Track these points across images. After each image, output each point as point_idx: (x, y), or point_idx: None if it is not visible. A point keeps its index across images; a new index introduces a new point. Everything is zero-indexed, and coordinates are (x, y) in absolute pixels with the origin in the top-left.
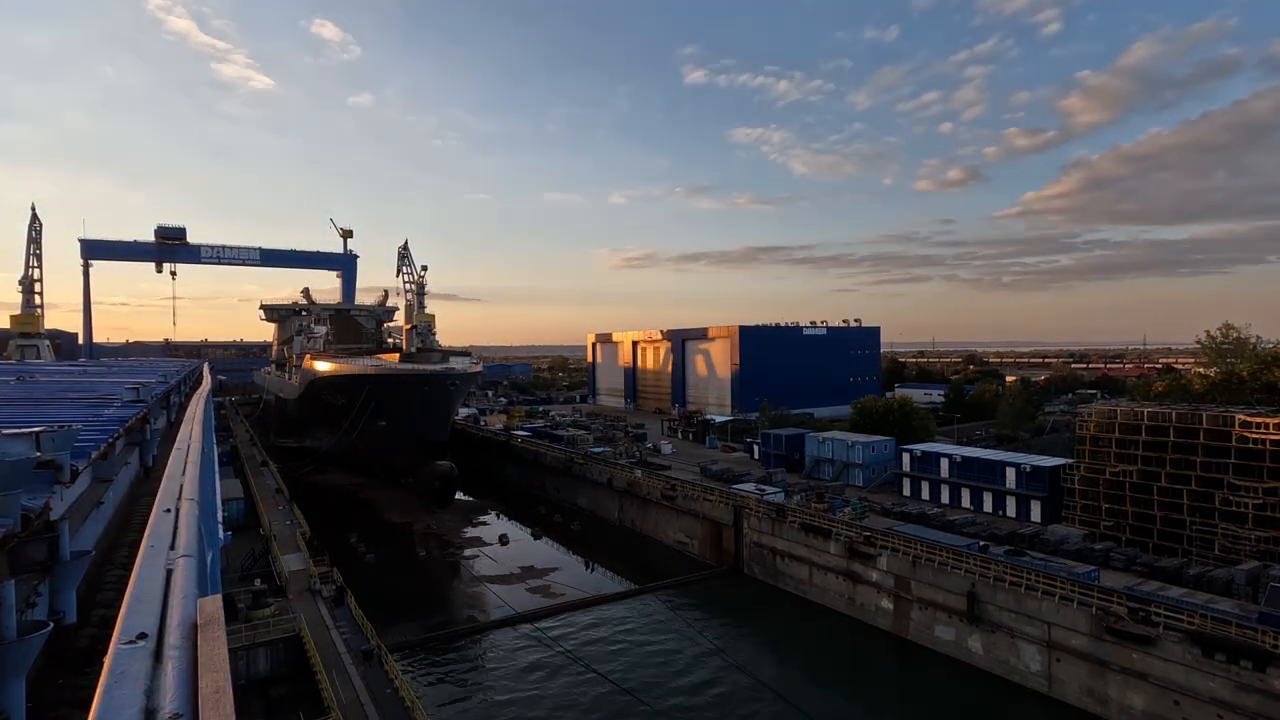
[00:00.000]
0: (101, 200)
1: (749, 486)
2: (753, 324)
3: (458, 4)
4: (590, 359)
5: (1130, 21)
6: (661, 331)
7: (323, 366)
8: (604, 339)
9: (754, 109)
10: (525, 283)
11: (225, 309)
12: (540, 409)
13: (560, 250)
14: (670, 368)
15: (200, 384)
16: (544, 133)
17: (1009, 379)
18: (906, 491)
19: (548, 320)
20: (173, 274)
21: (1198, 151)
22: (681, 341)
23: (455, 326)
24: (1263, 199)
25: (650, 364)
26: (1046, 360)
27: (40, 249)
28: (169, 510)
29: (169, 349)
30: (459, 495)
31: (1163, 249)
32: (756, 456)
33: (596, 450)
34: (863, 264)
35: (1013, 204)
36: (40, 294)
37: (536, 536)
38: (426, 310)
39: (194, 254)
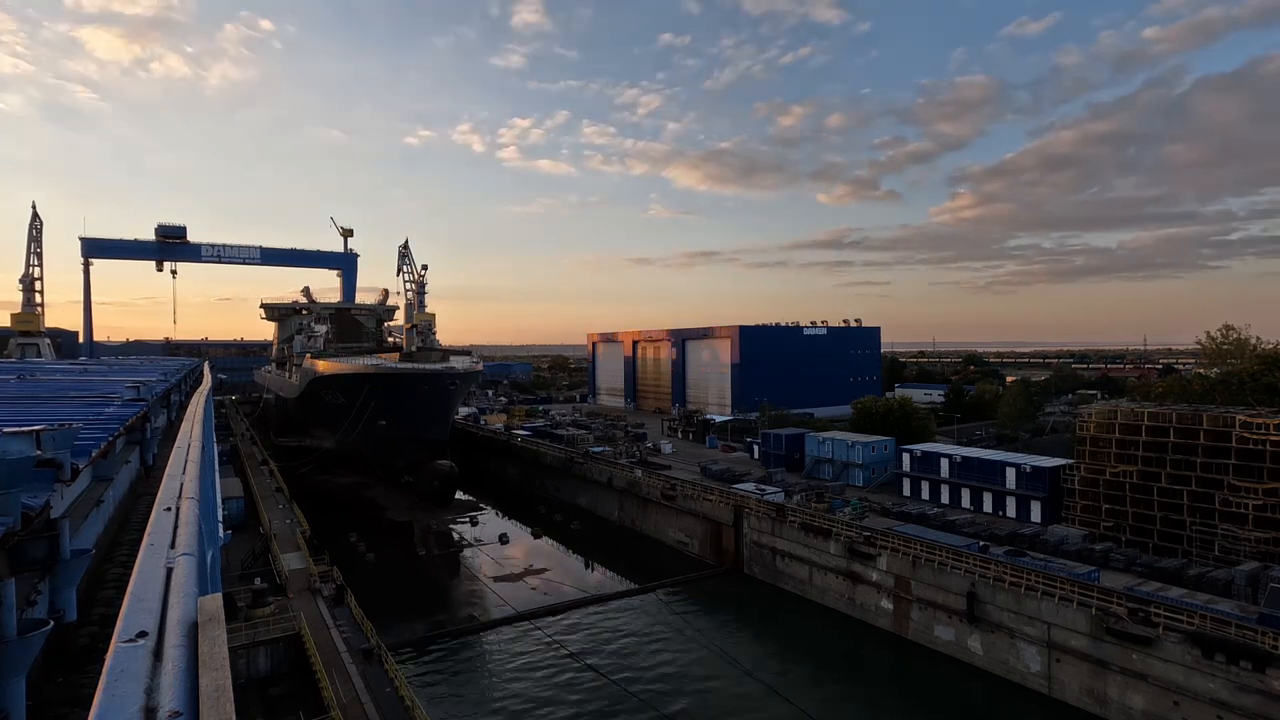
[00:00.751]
0: (55, 210)
1: (749, 486)
2: (753, 324)
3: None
4: (590, 358)
5: (942, 23)
6: (662, 331)
7: (323, 365)
8: (604, 339)
9: (614, 119)
10: (489, 282)
11: (226, 308)
12: (540, 408)
13: (507, 252)
14: (670, 367)
15: (200, 383)
16: (406, 146)
17: (1009, 379)
18: (906, 491)
19: (515, 317)
20: (173, 273)
21: (1063, 166)
22: (682, 341)
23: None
24: (1167, 208)
25: (650, 363)
26: (1047, 360)
27: (41, 247)
28: (169, 509)
29: (170, 348)
30: (459, 494)
31: (1103, 256)
32: (756, 456)
33: (596, 450)
34: (814, 267)
35: (921, 217)
36: (40, 292)
37: (536, 536)
38: (427, 309)
39: (194, 253)
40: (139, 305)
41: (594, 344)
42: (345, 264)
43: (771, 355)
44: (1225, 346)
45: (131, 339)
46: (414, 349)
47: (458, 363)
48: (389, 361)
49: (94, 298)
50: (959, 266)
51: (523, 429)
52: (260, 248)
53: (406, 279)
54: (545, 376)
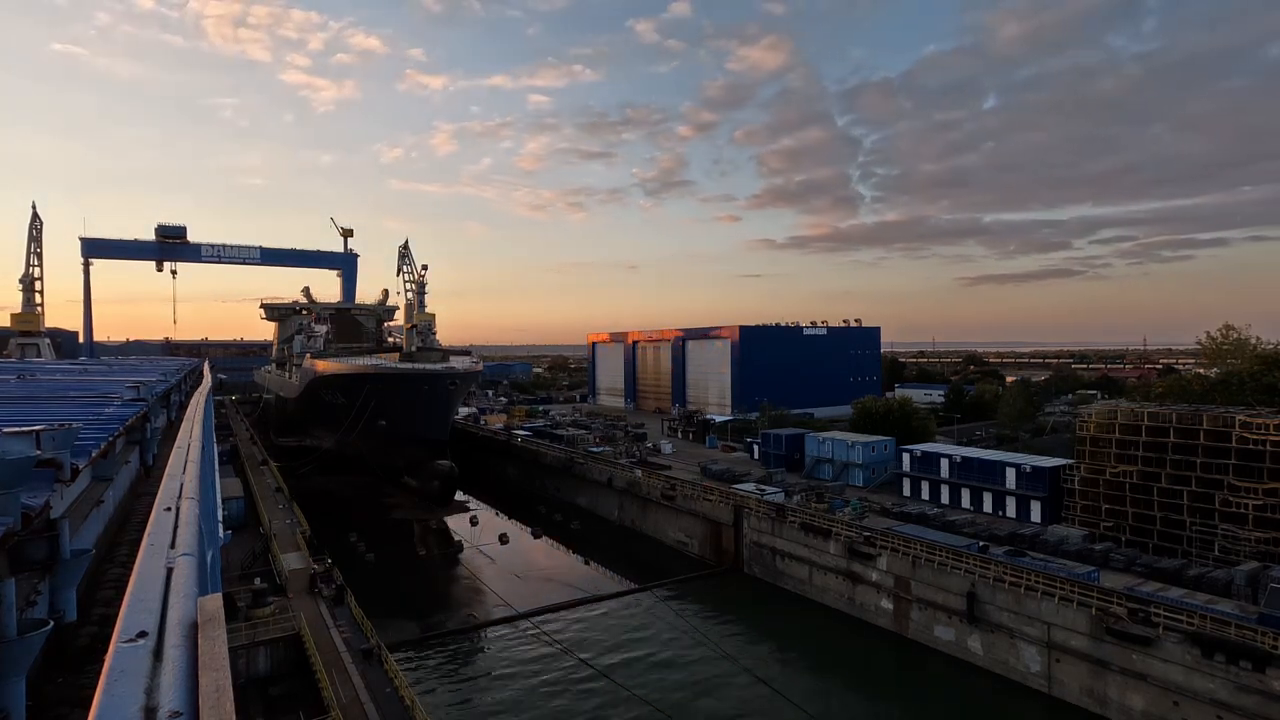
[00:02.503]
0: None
1: (749, 486)
2: (753, 324)
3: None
4: (590, 358)
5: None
6: (662, 331)
7: (323, 365)
8: (604, 339)
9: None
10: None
11: (226, 308)
12: (540, 408)
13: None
14: (670, 367)
15: (200, 383)
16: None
17: (1009, 379)
18: (906, 492)
19: (486, 313)
20: (173, 273)
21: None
22: (682, 341)
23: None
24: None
25: (650, 364)
26: (1047, 360)
27: (41, 247)
28: (169, 509)
29: (170, 348)
30: (459, 494)
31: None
32: (756, 456)
33: (596, 450)
34: (735, 281)
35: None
36: (40, 292)
37: (536, 536)
38: (427, 310)
39: (194, 253)
40: (148, 304)
41: (594, 344)
42: (345, 264)
43: (771, 355)
44: (1225, 346)
45: (131, 339)
46: (414, 349)
47: (458, 363)
48: (389, 362)
49: (94, 297)
50: (869, 272)
51: (523, 429)
52: (260, 248)
53: (406, 279)
54: (545, 376)
